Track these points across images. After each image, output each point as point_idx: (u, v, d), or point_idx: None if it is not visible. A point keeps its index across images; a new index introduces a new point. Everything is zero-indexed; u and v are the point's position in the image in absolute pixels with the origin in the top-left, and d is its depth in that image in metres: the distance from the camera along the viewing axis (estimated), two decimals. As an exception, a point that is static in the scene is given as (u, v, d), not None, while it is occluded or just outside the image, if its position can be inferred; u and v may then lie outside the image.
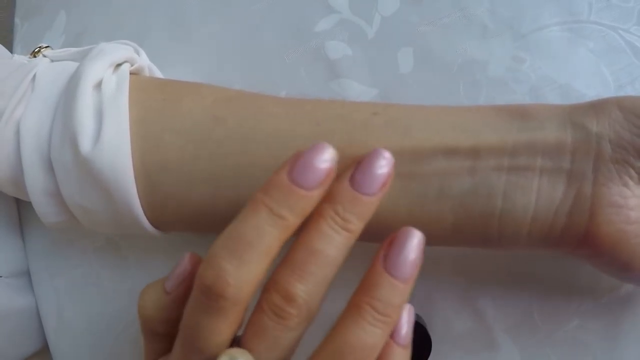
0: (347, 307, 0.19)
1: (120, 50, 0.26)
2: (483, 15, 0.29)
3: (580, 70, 0.28)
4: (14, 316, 0.31)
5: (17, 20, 0.36)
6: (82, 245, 0.32)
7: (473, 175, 0.21)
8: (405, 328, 0.20)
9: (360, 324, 0.18)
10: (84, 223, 0.26)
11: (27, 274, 0.33)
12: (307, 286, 0.18)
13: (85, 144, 0.23)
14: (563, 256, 0.23)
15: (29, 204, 0.31)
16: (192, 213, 0.25)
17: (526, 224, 0.21)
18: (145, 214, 0.25)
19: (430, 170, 0.22)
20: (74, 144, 0.23)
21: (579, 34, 0.28)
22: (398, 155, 0.22)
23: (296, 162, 0.19)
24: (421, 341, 0.27)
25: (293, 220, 0.18)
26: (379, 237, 0.24)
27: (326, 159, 0.19)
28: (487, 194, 0.21)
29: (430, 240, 0.23)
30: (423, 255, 0.20)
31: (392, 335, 0.20)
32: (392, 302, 0.19)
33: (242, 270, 0.18)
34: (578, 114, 0.21)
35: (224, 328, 0.18)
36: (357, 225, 0.19)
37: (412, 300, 0.28)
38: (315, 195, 0.19)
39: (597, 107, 0.21)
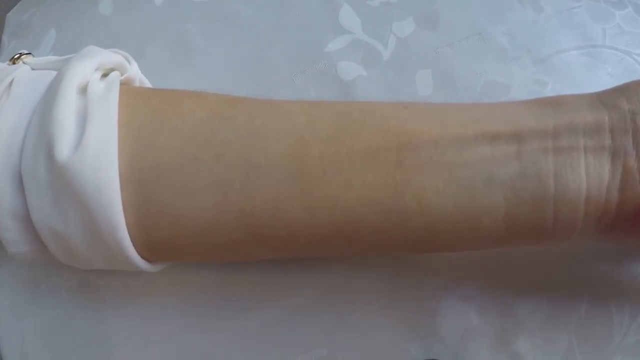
0: None
1: (110, 54, 0.23)
2: (501, 38, 0.29)
3: (602, 93, 0.28)
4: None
5: (4, 38, 0.33)
6: (53, 284, 0.27)
7: (520, 159, 0.20)
8: None
9: None
10: (55, 253, 0.22)
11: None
12: None
13: (64, 149, 0.19)
14: (615, 244, 0.22)
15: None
16: (192, 231, 0.21)
17: (581, 205, 0.20)
18: (131, 236, 0.21)
19: (475, 157, 0.20)
20: (49, 150, 0.19)
21: (597, 58, 0.28)
22: (439, 143, 0.20)
23: None
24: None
25: None
26: (426, 243, 0.22)
27: None
28: (537, 176, 0.20)
29: (483, 241, 0.22)
30: None
31: None
32: None
33: None
34: (607, 97, 0.22)
35: None
36: None
37: (444, 345, 0.26)
38: None
39: (623, 89, 0.22)
